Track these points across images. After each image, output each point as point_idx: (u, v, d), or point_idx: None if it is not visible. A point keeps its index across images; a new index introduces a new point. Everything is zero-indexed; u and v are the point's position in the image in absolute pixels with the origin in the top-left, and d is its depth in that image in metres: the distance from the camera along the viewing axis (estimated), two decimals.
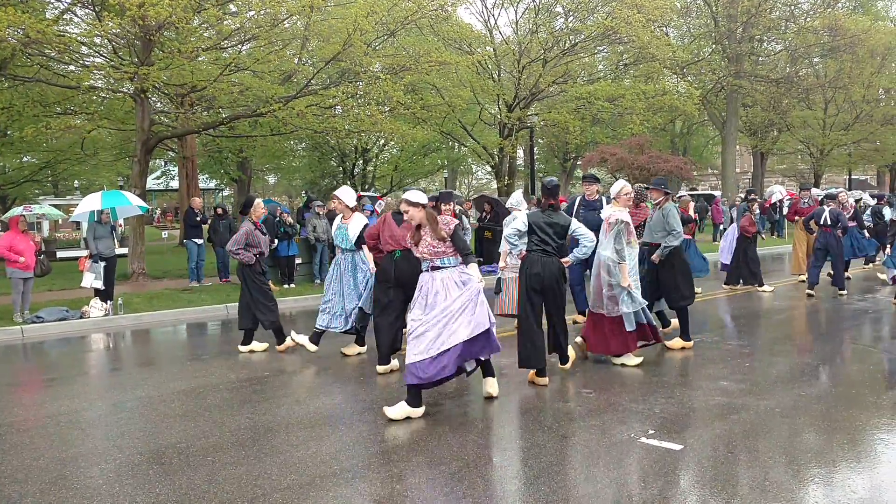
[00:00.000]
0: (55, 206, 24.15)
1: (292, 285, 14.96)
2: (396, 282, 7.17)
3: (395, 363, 7.43)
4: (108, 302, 11.97)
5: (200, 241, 15.57)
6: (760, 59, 31.78)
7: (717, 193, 31.79)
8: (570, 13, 23.96)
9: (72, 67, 16.81)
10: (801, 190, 14.51)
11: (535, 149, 25.35)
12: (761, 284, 13.00)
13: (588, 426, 5.50)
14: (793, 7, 30.98)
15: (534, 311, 6.82)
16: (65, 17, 17.49)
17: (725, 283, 13.36)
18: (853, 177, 42.98)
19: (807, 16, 31.20)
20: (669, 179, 34.38)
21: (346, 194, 8.22)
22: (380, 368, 7.36)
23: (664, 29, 27.57)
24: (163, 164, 35.60)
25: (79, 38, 15.78)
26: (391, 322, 7.25)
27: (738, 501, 4.09)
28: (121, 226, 20.61)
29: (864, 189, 34.83)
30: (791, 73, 32.09)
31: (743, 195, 14.77)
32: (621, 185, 7.54)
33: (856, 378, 6.96)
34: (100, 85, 17.45)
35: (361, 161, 32.78)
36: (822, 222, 12.34)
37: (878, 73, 32.86)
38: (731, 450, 4.95)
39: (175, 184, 33.70)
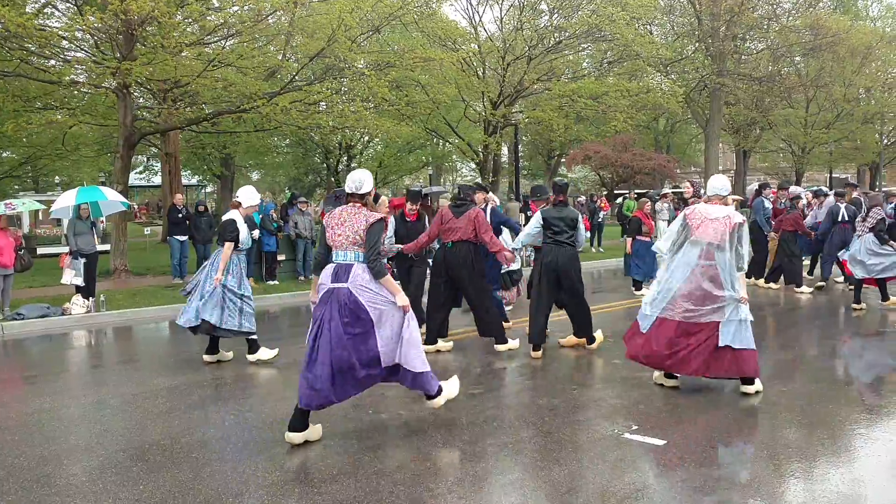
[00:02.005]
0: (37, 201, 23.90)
1: (275, 282, 14.91)
2: (448, 272, 7.90)
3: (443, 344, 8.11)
4: (90, 299, 11.88)
5: (183, 238, 15.50)
6: (743, 57, 31.95)
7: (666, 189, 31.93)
8: (555, 10, 23.98)
9: (53, 62, 16.63)
10: (779, 189, 14.53)
11: (519, 146, 25.38)
12: (799, 284, 12.69)
13: (572, 422, 5.53)
14: (775, 6, 31.19)
15: (547, 295, 7.76)
16: (45, 10, 17.31)
17: (766, 281, 13.24)
18: (834, 175, 43.41)
19: (789, 15, 31.42)
20: (653, 177, 34.65)
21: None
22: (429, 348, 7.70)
23: (648, 27, 27.65)
24: (145, 160, 35.33)
25: (60, 33, 15.61)
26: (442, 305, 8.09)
27: (719, 496, 4.13)
28: (102, 222, 20.43)
29: (844, 186, 35.09)
30: (773, 71, 32.29)
31: (757, 188, 14.47)
32: (723, 182, 6.40)
33: (836, 374, 7.04)
34: (81, 80, 17.27)
35: (346, 157, 32.69)
36: (840, 219, 12.59)
37: (858, 72, 33.16)
38: (713, 445, 5.00)
39: (157, 180, 33.50)
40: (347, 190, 5.26)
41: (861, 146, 37.39)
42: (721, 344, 5.96)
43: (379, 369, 5.16)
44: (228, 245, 7.70)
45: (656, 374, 6.46)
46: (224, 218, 7.88)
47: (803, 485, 4.29)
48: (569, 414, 5.74)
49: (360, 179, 5.24)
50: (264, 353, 7.98)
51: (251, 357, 7.94)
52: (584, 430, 5.34)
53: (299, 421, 5.13)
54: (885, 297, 10.89)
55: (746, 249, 6.15)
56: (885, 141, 39.59)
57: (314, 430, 5.24)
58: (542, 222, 7.84)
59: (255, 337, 7.93)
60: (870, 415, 5.57)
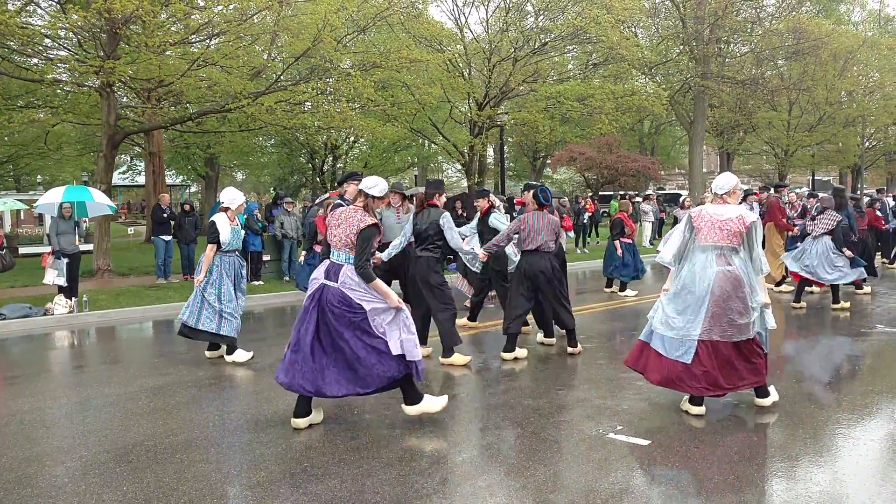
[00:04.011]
0: (19, 201, 23.70)
1: (260, 282, 14.86)
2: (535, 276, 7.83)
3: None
4: (73, 299, 11.79)
5: (168, 238, 15.43)
6: (727, 60, 32.21)
7: (685, 193, 32.19)
8: (541, 12, 24.05)
9: (35, 60, 16.50)
10: (762, 190, 14.67)
11: (505, 147, 25.44)
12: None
13: (558, 422, 5.55)
14: (758, 10, 31.46)
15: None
16: (28, 8, 17.15)
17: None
18: (816, 177, 43.81)
19: (772, 19, 31.70)
20: (637, 179, 34.81)
21: None
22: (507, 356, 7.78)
23: (633, 29, 27.80)
24: (128, 159, 35.09)
25: (42, 31, 15.50)
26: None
27: (703, 495, 4.16)
28: (85, 222, 20.28)
29: (826, 189, 35.47)
30: (756, 74, 32.57)
31: (772, 188, 14.50)
32: (735, 180, 5.91)
33: (819, 374, 7.11)
34: (64, 78, 17.15)
35: (331, 158, 32.61)
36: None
37: (840, 76, 33.48)
38: (697, 445, 5.03)
39: (141, 179, 33.24)
40: (361, 186, 5.48)
41: (843, 149, 37.76)
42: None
43: (389, 362, 5.21)
44: (210, 247, 7.72)
45: (684, 401, 5.77)
46: (211, 219, 7.92)
47: (786, 484, 4.33)
48: (554, 414, 5.76)
49: (375, 182, 5.46)
50: (240, 356, 7.94)
51: (228, 357, 7.96)
52: (568, 430, 5.36)
53: (302, 408, 5.48)
54: (797, 299, 11.14)
55: (761, 251, 5.68)
56: (867, 144, 40.01)
57: (317, 414, 5.61)
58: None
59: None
60: (851, 415, 5.63)
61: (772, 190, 14.47)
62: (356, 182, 6.86)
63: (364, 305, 5.19)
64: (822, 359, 7.90)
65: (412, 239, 7.74)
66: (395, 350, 5.20)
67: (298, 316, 5.44)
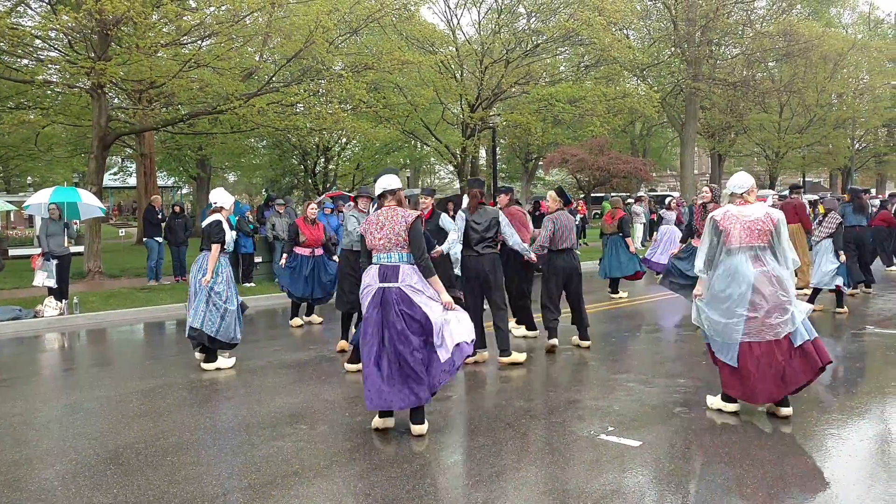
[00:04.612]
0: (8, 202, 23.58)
1: (251, 284, 14.83)
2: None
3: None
4: (63, 301, 11.73)
5: (161, 240, 15.39)
6: (718, 62, 32.34)
7: (675, 194, 32.26)
8: (533, 14, 24.11)
9: (25, 61, 16.44)
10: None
11: (497, 149, 25.46)
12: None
13: (549, 423, 5.56)
14: (749, 12, 31.60)
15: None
16: (18, 9, 17.09)
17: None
18: (807, 179, 44.03)
19: (763, 21, 31.85)
20: (629, 180, 34.91)
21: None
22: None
23: (624, 31, 27.88)
24: (120, 160, 34.99)
25: (33, 32, 15.43)
26: None
27: (693, 496, 4.18)
28: (76, 224, 20.22)
29: (816, 192, 35.73)
30: (748, 76, 32.72)
31: (788, 191, 14.56)
32: (752, 178, 5.82)
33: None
34: (55, 79, 17.09)
35: (323, 159, 32.59)
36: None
37: (830, 78, 33.68)
38: (688, 445, 5.05)
39: (132, 181, 33.15)
40: (379, 191, 5.43)
41: (833, 151, 37.98)
42: (798, 343, 5.46)
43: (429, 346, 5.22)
44: (216, 247, 7.62)
45: (769, 406, 5.65)
46: (208, 220, 7.73)
47: (777, 485, 4.34)
48: (545, 416, 5.77)
49: (388, 180, 5.46)
50: (223, 362, 7.84)
51: (209, 366, 7.75)
52: (560, 431, 5.37)
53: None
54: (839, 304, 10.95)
55: (789, 246, 5.59)
56: (857, 146, 40.26)
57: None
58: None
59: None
60: (841, 415, 5.66)
61: (789, 191, 14.40)
62: (367, 197, 6.85)
63: (424, 310, 5.20)
64: None
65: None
66: (444, 357, 5.21)
67: (364, 331, 5.33)
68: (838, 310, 10.62)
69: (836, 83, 34.82)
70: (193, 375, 7.49)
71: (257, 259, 15.52)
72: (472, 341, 5.39)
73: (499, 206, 9.06)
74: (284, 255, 10.62)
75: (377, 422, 5.41)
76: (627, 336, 9.36)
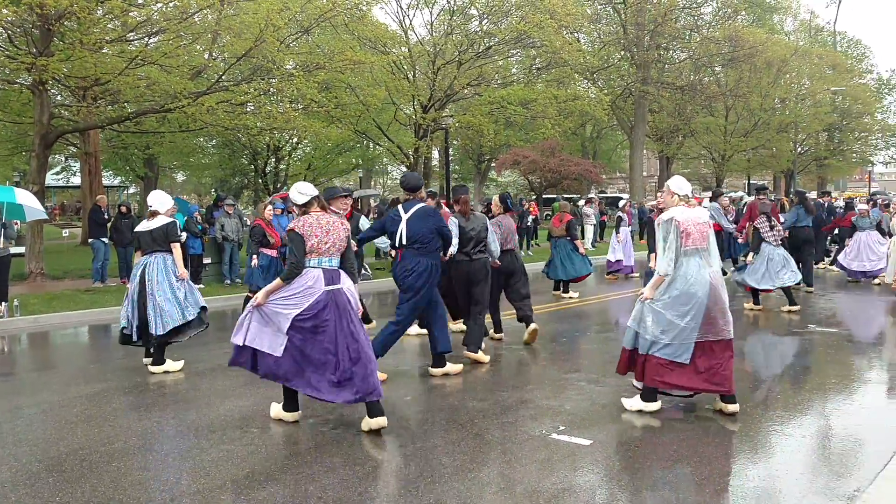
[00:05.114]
0: None
1: (200, 286, 14.58)
2: None
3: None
4: (3, 304, 11.36)
5: (107, 241, 15.05)
6: (666, 66, 32.97)
7: (625, 196, 32.76)
8: (485, 16, 24.22)
9: None
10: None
11: (450, 150, 25.52)
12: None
13: (501, 423, 5.58)
14: (696, 18, 32.30)
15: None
16: None
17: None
18: (752, 182, 45.12)
19: (709, 26, 32.59)
20: (580, 182, 35.30)
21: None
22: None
23: (575, 35, 28.22)
24: (63, 159, 34.07)
25: None
26: None
27: (643, 494, 4.24)
28: (17, 224, 19.61)
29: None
30: (695, 80, 33.44)
31: (757, 191, 14.74)
32: (685, 181, 5.95)
33: (755, 373, 7.31)
34: None
35: (274, 159, 32.22)
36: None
37: (774, 83, 34.63)
38: (638, 444, 5.12)
39: (76, 180, 32.32)
40: (307, 199, 5.49)
41: (777, 154, 39.03)
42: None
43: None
44: (178, 245, 7.70)
45: (718, 402, 5.76)
46: (164, 222, 7.66)
47: (723, 480, 4.44)
48: (498, 415, 5.79)
49: (307, 188, 5.59)
50: (171, 365, 7.70)
51: (157, 369, 7.63)
52: (512, 431, 5.40)
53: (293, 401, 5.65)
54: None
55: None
56: (799, 149, 41.42)
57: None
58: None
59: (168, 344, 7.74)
60: (785, 411, 5.80)
61: (756, 193, 14.61)
62: (348, 197, 6.84)
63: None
64: (757, 358, 8.13)
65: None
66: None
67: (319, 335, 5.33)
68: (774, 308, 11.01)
69: (779, 88, 35.82)
70: (140, 379, 7.33)
71: (206, 260, 15.28)
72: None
73: (493, 212, 9.28)
74: (255, 257, 10.49)
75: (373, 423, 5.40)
76: (578, 336, 9.47)
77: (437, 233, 6.86)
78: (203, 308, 7.78)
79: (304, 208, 5.49)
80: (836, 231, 17.31)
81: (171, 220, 7.76)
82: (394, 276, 7.09)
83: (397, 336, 7.05)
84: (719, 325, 5.59)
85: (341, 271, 5.50)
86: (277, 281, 5.39)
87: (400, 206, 7.07)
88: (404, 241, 6.85)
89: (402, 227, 6.86)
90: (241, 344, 5.46)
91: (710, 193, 20.65)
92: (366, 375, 5.29)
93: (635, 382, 5.94)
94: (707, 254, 5.67)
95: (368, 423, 5.31)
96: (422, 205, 6.98)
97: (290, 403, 5.63)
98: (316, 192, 5.59)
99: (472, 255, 7.76)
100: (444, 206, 9.65)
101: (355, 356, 5.28)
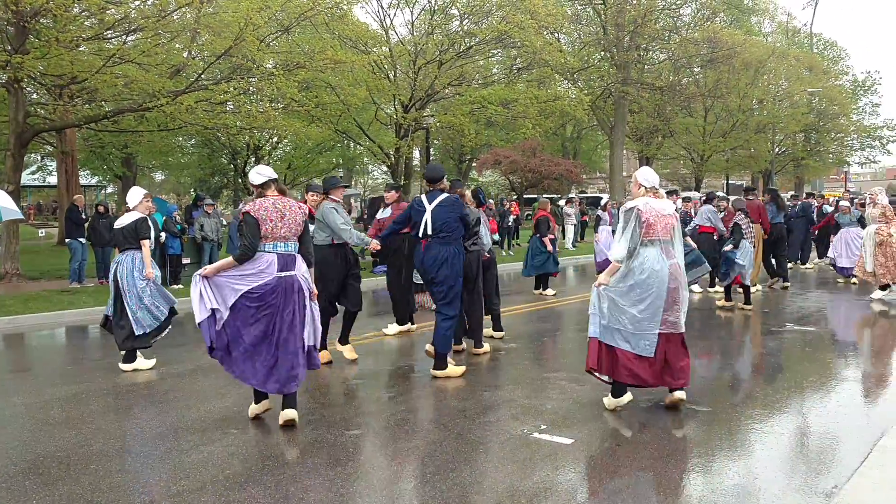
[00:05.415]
0: None
1: (179, 286, 14.47)
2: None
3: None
4: None
5: (84, 241, 14.89)
6: (646, 67, 33.14)
7: (606, 196, 32.93)
8: (466, 16, 24.22)
9: None
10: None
11: (431, 149, 25.51)
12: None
13: (483, 423, 5.59)
14: (676, 19, 32.51)
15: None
16: None
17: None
18: (730, 182, 45.53)
19: (688, 27, 32.79)
20: (560, 182, 35.42)
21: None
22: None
23: (556, 35, 28.30)
24: (39, 158, 33.67)
25: None
26: None
27: (624, 493, 4.26)
28: None
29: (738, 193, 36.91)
30: (674, 81, 33.64)
31: (745, 192, 14.87)
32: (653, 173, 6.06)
33: (734, 372, 7.38)
34: None
35: (253, 159, 32.05)
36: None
37: (752, 84, 34.95)
38: (619, 443, 5.15)
39: (53, 179, 31.95)
40: (263, 179, 5.49)
41: (755, 154, 39.40)
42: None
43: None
44: (146, 243, 7.63)
45: (669, 396, 5.84)
46: (133, 218, 7.64)
47: (703, 478, 4.47)
48: (479, 415, 5.80)
49: (267, 170, 5.62)
50: (142, 363, 7.69)
51: (127, 366, 7.62)
52: (494, 430, 5.40)
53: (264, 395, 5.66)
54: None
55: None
56: (776, 150, 41.85)
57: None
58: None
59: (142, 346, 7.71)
60: (763, 409, 5.86)
61: (744, 193, 14.68)
62: (345, 187, 6.93)
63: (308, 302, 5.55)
64: (735, 357, 8.20)
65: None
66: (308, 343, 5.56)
67: (246, 320, 5.36)
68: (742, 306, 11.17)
69: (757, 89, 36.16)
70: (118, 380, 7.26)
71: (185, 260, 15.16)
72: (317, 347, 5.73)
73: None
74: None
75: (257, 408, 5.68)
76: (558, 335, 9.50)
77: (460, 221, 7.01)
78: (173, 303, 7.91)
79: (261, 189, 5.47)
80: (816, 233, 17.65)
81: (141, 216, 7.68)
82: (419, 265, 7.20)
83: (454, 327, 7.22)
84: (673, 318, 5.65)
85: (297, 255, 5.46)
86: (229, 259, 5.37)
87: (423, 197, 7.17)
88: (429, 231, 6.99)
89: (427, 216, 6.99)
90: (208, 312, 5.42)
91: (690, 194, 20.87)
92: (293, 366, 5.37)
93: (602, 376, 5.92)
94: (669, 245, 5.71)
95: (282, 414, 5.46)
96: (445, 195, 7.10)
97: (258, 394, 5.66)
98: (275, 175, 5.59)
99: (468, 248, 7.74)
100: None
101: (284, 345, 5.35)
